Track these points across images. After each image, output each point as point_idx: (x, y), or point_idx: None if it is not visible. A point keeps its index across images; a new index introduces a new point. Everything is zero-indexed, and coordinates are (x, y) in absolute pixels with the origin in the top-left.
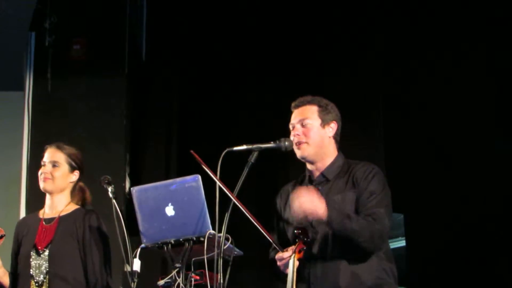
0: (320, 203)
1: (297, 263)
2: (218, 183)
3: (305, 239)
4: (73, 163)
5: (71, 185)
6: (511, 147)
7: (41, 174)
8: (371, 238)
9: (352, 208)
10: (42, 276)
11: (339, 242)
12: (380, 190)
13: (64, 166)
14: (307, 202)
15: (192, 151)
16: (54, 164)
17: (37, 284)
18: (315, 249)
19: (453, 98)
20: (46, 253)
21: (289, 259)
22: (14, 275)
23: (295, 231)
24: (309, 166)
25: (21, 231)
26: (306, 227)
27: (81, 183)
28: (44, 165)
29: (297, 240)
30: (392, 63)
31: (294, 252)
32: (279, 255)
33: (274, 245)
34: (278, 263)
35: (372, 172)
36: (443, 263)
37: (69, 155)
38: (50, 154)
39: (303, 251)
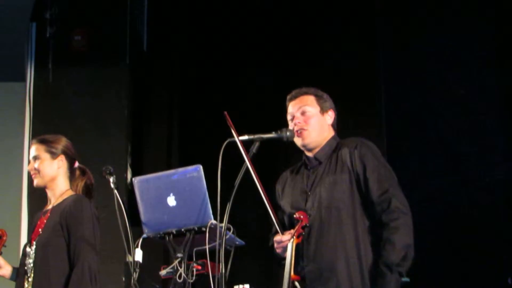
0: None
1: (295, 248)
2: (244, 157)
3: (305, 223)
4: (53, 150)
5: (62, 171)
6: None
7: (30, 172)
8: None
9: (343, 189)
10: (30, 268)
11: (334, 227)
12: (381, 170)
13: (46, 156)
14: None
15: (225, 112)
16: (36, 158)
17: (27, 278)
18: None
19: (455, 85)
20: (34, 245)
21: (288, 243)
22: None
23: (295, 215)
24: (307, 153)
25: (30, 228)
26: (306, 211)
27: (79, 165)
28: (29, 162)
29: (296, 225)
30: (393, 52)
31: (293, 236)
32: (278, 237)
33: (277, 227)
34: (276, 245)
35: (358, 149)
36: (446, 254)
37: (48, 144)
38: (32, 150)
39: (302, 236)
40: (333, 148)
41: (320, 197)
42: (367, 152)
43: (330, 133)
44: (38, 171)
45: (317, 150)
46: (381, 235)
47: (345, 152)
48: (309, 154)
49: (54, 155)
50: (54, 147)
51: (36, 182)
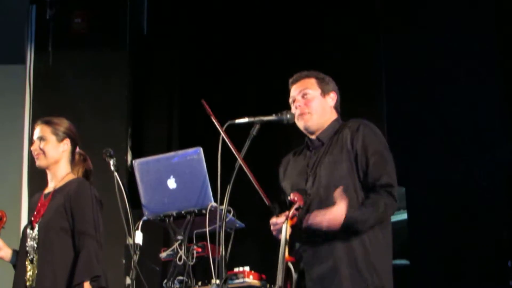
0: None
1: (290, 229)
2: (223, 134)
3: (299, 205)
4: (60, 133)
5: (65, 154)
6: None
7: (33, 152)
8: (387, 214)
9: (343, 168)
10: (32, 250)
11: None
12: (381, 153)
13: (52, 138)
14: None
15: (203, 100)
16: (42, 139)
17: (30, 261)
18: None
19: (457, 70)
20: (37, 227)
21: (282, 225)
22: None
23: (289, 197)
24: (309, 135)
25: (30, 209)
26: (301, 193)
27: (80, 151)
28: (33, 143)
29: (291, 206)
30: (393, 35)
31: (287, 218)
32: (273, 220)
33: (270, 208)
34: (272, 227)
35: (361, 130)
36: (445, 236)
37: (55, 126)
38: (37, 130)
39: (296, 217)
40: (336, 130)
41: (319, 176)
42: (369, 133)
43: (333, 115)
44: (43, 152)
45: (319, 132)
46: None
47: (346, 133)
48: (312, 137)
49: (59, 138)
50: (60, 130)
51: (39, 162)
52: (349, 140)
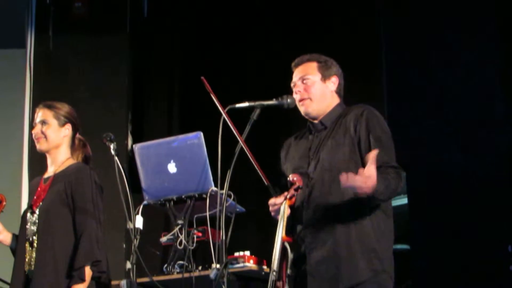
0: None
1: (288, 210)
2: (224, 115)
3: (298, 185)
4: (62, 118)
5: (66, 139)
6: None
7: (34, 136)
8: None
9: (344, 152)
10: (32, 234)
11: (335, 190)
12: (384, 140)
13: (53, 122)
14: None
15: (203, 78)
16: (44, 122)
17: (29, 245)
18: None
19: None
20: (37, 212)
21: (281, 206)
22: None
23: (288, 178)
24: (312, 120)
25: (30, 194)
26: (301, 174)
27: (79, 136)
28: (35, 126)
29: (290, 187)
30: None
31: (285, 198)
32: (272, 200)
33: (269, 188)
34: (270, 208)
35: (365, 115)
36: (445, 221)
37: (57, 111)
38: (39, 114)
39: (294, 197)
40: (339, 114)
41: (322, 159)
42: (373, 118)
43: (335, 100)
44: (44, 135)
45: (322, 116)
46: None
47: (350, 117)
48: (315, 121)
49: (61, 123)
50: (62, 115)
51: (39, 146)
52: (353, 125)
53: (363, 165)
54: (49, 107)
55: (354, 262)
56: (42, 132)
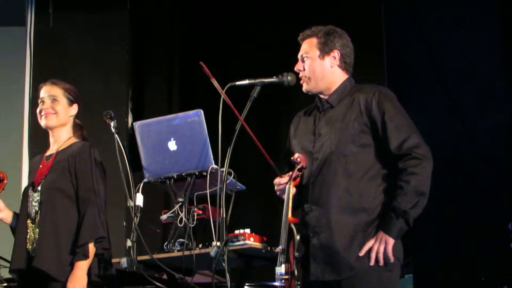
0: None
1: (293, 189)
2: (223, 96)
3: (302, 165)
4: (71, 97)
5: (72, 119)
6: None
7: (41, 111)
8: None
9: (352, 134)
10: (34, 211)
11: (340, 171)
12: (400, 118)
13: (63, 100)
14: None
15: (202, 63)
16: (54, 99)
17: (32, 222)
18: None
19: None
20: (39, 189)
21: (286, 186)
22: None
23: (293, 157)
24: (320, 95)
25: (30, 171)
26: (306, 154)
27: (76, 120)
28: (43, 102)
29: (294, 166)
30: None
31: (290, 178)
32: (277, 180)
33: (274, 169)
34: (276, 187)
35: (377, 96)
36: (445, 199)
37: (66, 89)
38: (47, 90)
39: (299, 178)
40: (347, 92)
41: (329, 140)
42: (385, 99)
43: (339, 75)
44: (55, 112)
45: (328, 93)
46: (396, 180)
47: (362, 98)
48: (322, 96)
49: (70, 102)
50: (71, 95)
51: (48, 122)
52: (364, 106)
53: (377, 149)
54: (58, 85)
55: (359, 248)
56: (53, 108)
